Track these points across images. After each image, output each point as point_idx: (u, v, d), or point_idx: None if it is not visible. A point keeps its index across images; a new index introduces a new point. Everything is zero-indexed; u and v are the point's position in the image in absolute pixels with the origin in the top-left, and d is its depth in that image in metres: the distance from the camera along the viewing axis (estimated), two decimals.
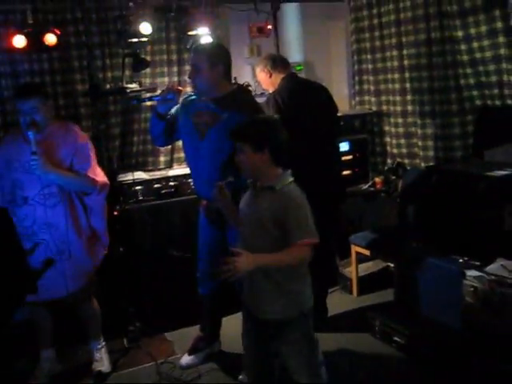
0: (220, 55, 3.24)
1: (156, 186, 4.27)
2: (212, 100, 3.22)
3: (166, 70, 4.70)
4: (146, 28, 4.28)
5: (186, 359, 3.75)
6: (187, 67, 4.64)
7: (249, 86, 4.59)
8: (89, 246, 3.48)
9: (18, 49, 4.02)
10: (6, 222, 2.43)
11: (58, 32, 4.12)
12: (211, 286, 3.59)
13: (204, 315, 3.79)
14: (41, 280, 2.96)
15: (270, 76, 3.91)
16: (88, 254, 3.48)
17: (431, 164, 4.71)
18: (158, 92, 3.64)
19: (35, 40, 4.04)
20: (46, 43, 4.07)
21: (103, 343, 3.76)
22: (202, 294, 3.67)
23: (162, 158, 4.76)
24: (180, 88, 3.41)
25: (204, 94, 3.26)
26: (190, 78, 3.35)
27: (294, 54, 5.42)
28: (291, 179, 2.58)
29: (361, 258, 4.70)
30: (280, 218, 2.47)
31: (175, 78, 4.71)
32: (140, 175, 4.38)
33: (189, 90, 4.07)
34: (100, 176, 3.46)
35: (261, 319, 2.63)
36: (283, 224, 2.46)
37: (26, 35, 4.01)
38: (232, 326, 3.67)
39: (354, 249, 4.62)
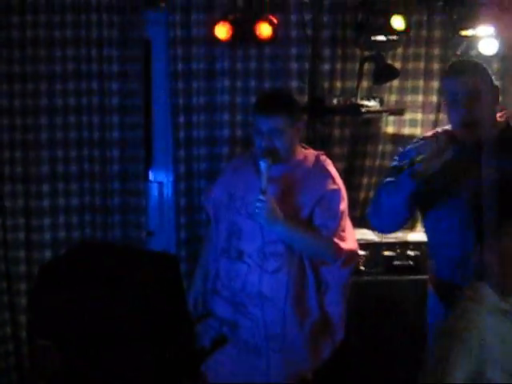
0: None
1: (387, 253, 3.55)
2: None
3: (421, 84, 3.76)
4: (398, 22, 3.50)
5: None
6: None
7: None
8: (312, 335, 2.91)
9: (220, 40, 3.55)
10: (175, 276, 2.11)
11: (276, 21, 3.48)
12: None
13: None
14: (232, 366, 2.86)
15: None
16: (308, 346, 2.90)
17: None
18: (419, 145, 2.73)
19: (244, 30, 3.52)
20: (258, 35, 3.51)
21: None
22: None
23: None
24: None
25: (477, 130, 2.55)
26: (466, 107, 2.55)
27: None
28: None
29: None
30: None
31: (434, 98, 3.69)
32: (365, 234, 3.60)
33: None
34: (349, 241, 2.86)
35: None
36: None
37: (232, 23, 3.50)
38: None
39: None
